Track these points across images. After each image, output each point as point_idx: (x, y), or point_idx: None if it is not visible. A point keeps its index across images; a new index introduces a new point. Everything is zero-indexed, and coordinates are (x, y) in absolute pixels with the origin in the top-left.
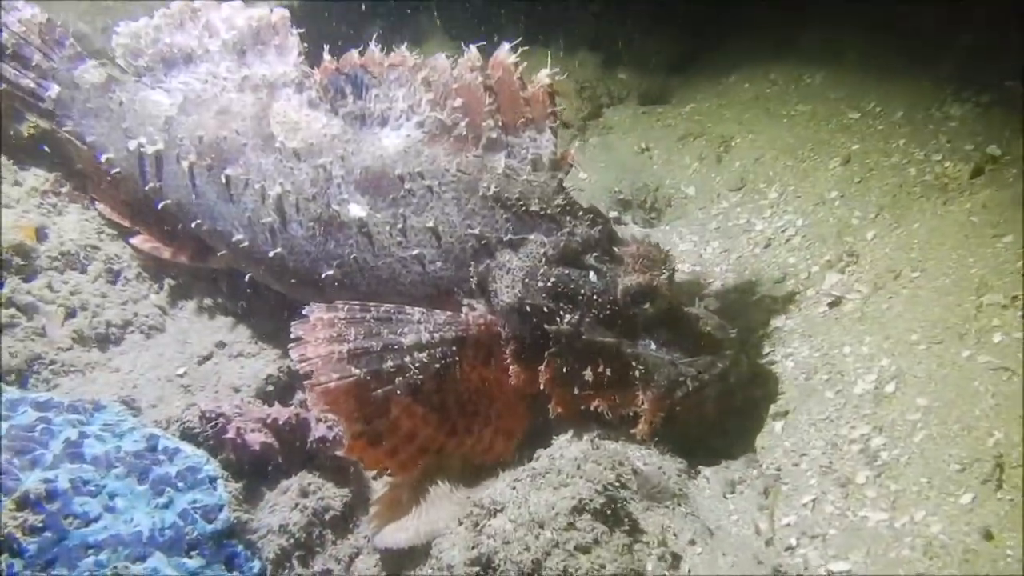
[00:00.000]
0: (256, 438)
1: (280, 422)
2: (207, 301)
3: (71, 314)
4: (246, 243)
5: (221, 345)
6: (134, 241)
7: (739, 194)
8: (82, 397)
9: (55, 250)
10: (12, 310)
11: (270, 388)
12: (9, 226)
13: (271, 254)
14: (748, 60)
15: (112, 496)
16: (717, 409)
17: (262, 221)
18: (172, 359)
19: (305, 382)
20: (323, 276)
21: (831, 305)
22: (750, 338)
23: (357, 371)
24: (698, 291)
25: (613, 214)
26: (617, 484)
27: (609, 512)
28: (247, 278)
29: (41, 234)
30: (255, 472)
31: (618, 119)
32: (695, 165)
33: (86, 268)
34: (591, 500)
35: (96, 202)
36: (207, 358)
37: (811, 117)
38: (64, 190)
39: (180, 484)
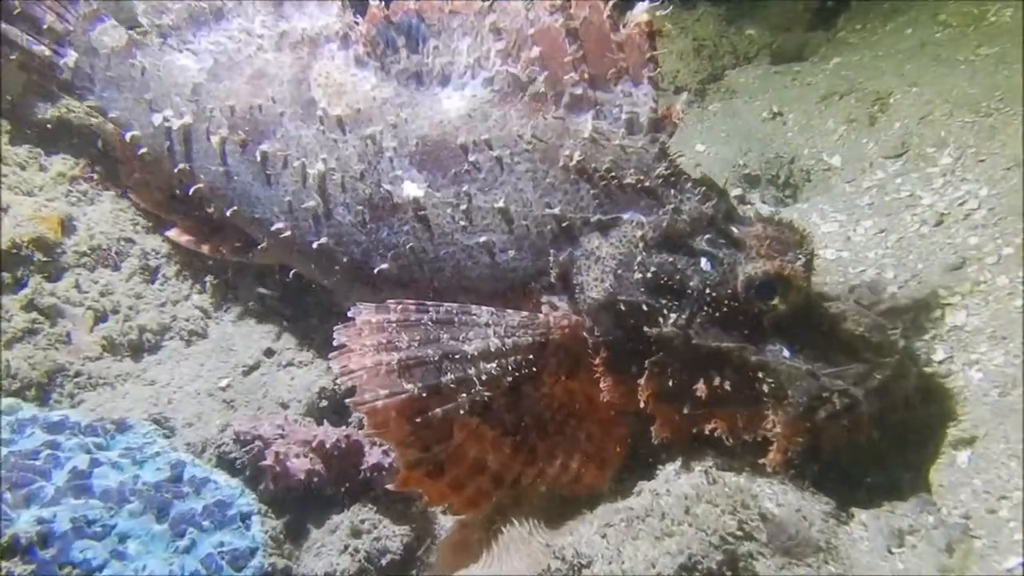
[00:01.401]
0: (300, 465)
1: (328, 445)
2: (254, 303)
3: (101, 318)
4: (288, 232)
5: (269, 353)
6: (170, 234)
7: (899, 162)
8: (105, 416)
9: (84, 244)
10: (33, 314)
11: (323, 403)
12: (28, 217)
13: (315, 245)
14: (909, 4)
15: (123, 538)
16: (875, 434)
17: (304, 206)
18: (214, 369)
19: (348, 400)
20: (376, 270)
21: None
22: (918, 341)
23: (410, 386)
24: (847, 283)
25: (736, 192)
26: (740, 534)
27: (729, 573)
28: (291, 274)
29: (68, 226)
30: (300, 506)
31: (744, 81)
32: (841, 130)
33: (119, 265)
34: (704, 556)
35: (129, 190)
36: (254, 368)
37: (999, 61)
38: (96, 175)
39: (206, 523)
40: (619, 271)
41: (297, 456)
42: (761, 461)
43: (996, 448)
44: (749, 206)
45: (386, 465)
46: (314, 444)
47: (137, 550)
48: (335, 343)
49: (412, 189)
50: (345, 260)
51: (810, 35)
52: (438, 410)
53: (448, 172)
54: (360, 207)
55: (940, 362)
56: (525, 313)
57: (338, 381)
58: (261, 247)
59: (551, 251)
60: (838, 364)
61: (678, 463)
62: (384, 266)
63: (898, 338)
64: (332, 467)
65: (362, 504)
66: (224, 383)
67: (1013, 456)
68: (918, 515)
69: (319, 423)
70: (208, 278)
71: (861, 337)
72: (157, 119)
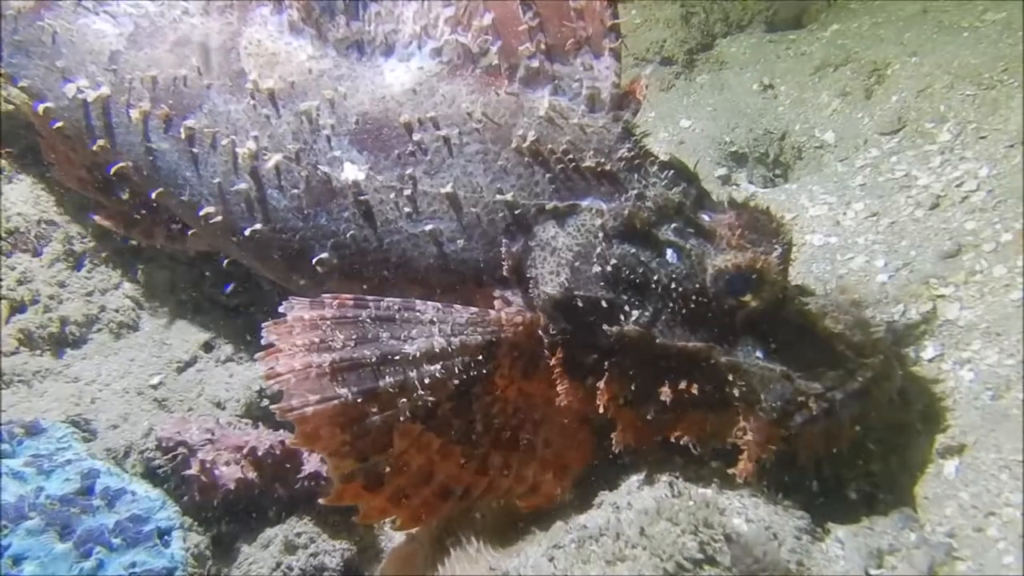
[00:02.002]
0: (230, 473)
1: (260, 452)
2: (192, 292)
3: (18, 309)
4: (218, 217)
5: (208, 347)
6: (97, 216)
7: (895, 138)
8: (16, 418)
9: None
10: None
11: (264, 403)
12: None
13: (248, 232)
14: None
15: (17, 560)
16: (855, 441)
17: (234, 188)
18: (145, 365)
19: (273, 407)
20: (315, 260)
21: None
22: (906, 339)
23: (344, 391)
24: (834, 271)
25: (721, 171)
26: (700, 557)
27: None
28: (225, 262)
29: None
30: (230, 519)
31: (735, 51)
32: (835, 104)
33: (40, 250)
34: None
35: (51, 167)
36: (189, 364)
37: (1005, 27)
38: (10, 152)
39: (117, 540)
40: (576, 264)
41: (227, 464)
42: (731, 471)
43: (986, 458)
44: (735, 187)
45: (325, 474)
46: (245, 451)
47: (33, 573)
48: (263, 342)
49: (352, 172)
50: (282, 249)
51: (810, 1)
52: (376, 417)
53: (391, 153)
54: (296, 191)
55: (930, 360)
56: (474, 309)
57: (264, 385)
58: (193, 232)
59: (503, 241)
60: (816, 365)
61: (643, 473)
62: (324, 256)
63: (883, 336)
64: (266, 475)
65: (299, 516)
66: (156, 380)
67: (1004, 467)
68: (899, 532)
69: (257, 425)
70: (140, 265)
71: (842, 335)
72: (71, 90)
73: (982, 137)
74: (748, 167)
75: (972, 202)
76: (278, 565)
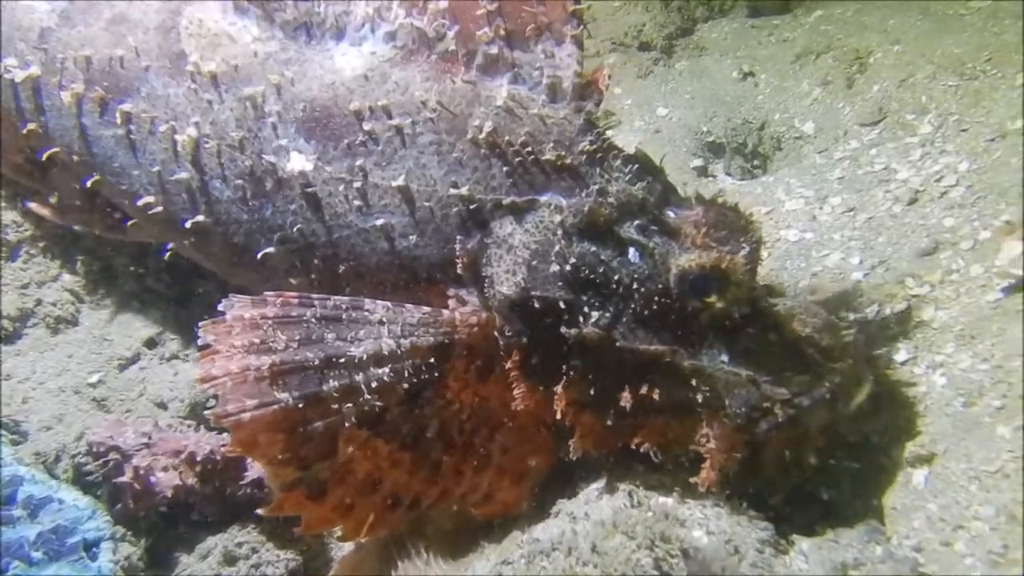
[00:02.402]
0: (168, 480)
1: (199, 457)
2: (135, 285)
3: None
4: (159, 208)
5: (151, 344)
6: (32, 204)
7: (876, 130)
8: None
9: None
10: None
11: (212, 404)
12: None
13: (189, 224)
14: None
15: None
16: (821, 449)
17: (175, 178)
18: (84, 362)
19: (207, 412)
20: (260, 255)
21: (1008, 290)
22: (878, 342)
23: (285, 395)
24: (808, 268)
25: (698, 162)
26: (655, 574)
27: None
28: (166, 255)
29: None
30: (167, 528)
31: (716, 36)
32: (816, 93)
33: None
34: None
35: None
36: (132, 361)
37: (991, 16)
38: None
39: (38, 554)
40: (533, 262)
41: (165, 469)
42: (693, 480)
43: (956, 468)
44: (711, 179)
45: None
46: (184, 455)
47: None
48: (199, 342)
49: (299, 162)
50: (225, 242)
51: None
52: (319, 423)
53: (340, 143)
54: (240, 181)
55: (902, 363)
56: (426, 309)
57: (198, 389)
58: (132, 223)
59: (458, 238)
60: (783, 370)
61: (603, 481)
62: (270, 250)
63: (854, 338)
64: (206, 482)
65: (242, 524)
66: (95, 379)
67: (974, 478)
68: (865, 545)
69: (199, 428)
70: (80, 256)
71: (810, 339)
72: None
73: (963, 130)
74: (726, 158)
75: (951, 197)
76: None
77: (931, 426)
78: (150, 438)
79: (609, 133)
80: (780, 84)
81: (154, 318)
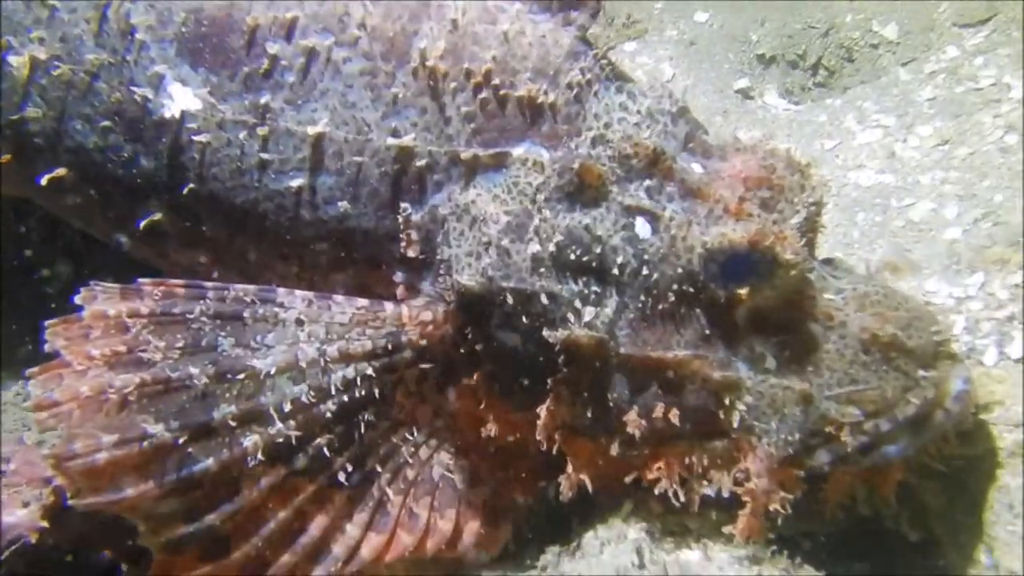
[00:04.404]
0: (28, 520)
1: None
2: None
3: None
4: (4, 154)
5: None
6: None
7: (982, 31)
8: None
9: None
10: None
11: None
12: None
13: (46, 179)
14: None
15: None
16: (903, 489)
17: (21, 115)
18: None
19: (44, 452)
20: (139, 222)
21: None
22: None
23: (158, 427)
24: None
25: (742, 83)
26: None
27: None
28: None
29: None
30: None
31: None
32: None
33: None
34: None
35: None
36: None
37: None
38: None
39: None
40: (504, 242)
41: (26, 505)
42: (728, 529)
43: None
44: (759, 103)
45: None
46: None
47: None
48: (44, 348)
49: (183, 97)
50: (99, 204)
51: None
52: (209, 462)
53: (237, 71)
54: (107, 122)
55: (1018, 360)
56: (363, 302)
57: (33, 417)
58: None
59: (403, 206)
60: (853, 381)
61: (606, 526)
62: (155, 216)
63: (949, 338)
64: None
65: None
66: None
67: None
68: None
69: None
70: None
71: (892, 338)
72: None
73: None
74: (779, 74)
75: None
76: None
77: None
78: (8, 462)
79: (621, 51)
80: None
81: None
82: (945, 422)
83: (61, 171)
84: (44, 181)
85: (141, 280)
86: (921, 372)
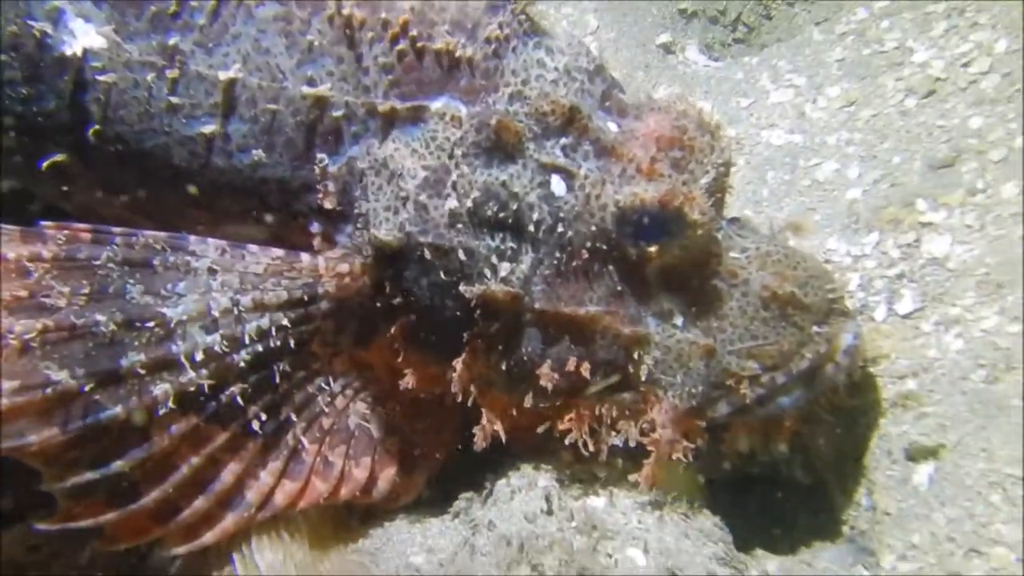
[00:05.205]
0: None
1: None
2: None
3: None
4: None
5: None
6: None
7: None
8: None
9: None
10: None
11: None
12: None
13: None
14: None
15: None
16: (795, 437)
17: None
18: None
19: None
20: (44, 164)
21: None
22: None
23: (62, 374)
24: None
25: (664, 38)
26: None
27: None
28: None
29: None
30: None
31: None
32: None
33: None
34: None
35: None
36: None
37: None
38: None
39: None
40: (422, 197)
41: None
42: (633, 477)
43: (972, 468)
44: (680, 61)
45: None
46: None
47: None
48: None
49: (85, 35)
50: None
51: None
52: (117, 409)
53: (144, 10)
54: (3, 56)
55: (905, 316)
56: (278, 252)
57: None
58: None
59: (318, 156)
60: (752, 337)
61: (518, 474)
62: (59, 158)
63: (844, 293)
64: None
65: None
66: None
67: (996, 485)
68: (849, 568)
69: None
70: None
71: (790, 295)
72: None
73: None
74: (700, 29)
75: (981, 89)
76: None
77: (939, 406)
78: None
79: (535, 8)
80: None
81: None
82: (835, 375)
83: None
84: None
85: (43, 223)
86: (815, 328)
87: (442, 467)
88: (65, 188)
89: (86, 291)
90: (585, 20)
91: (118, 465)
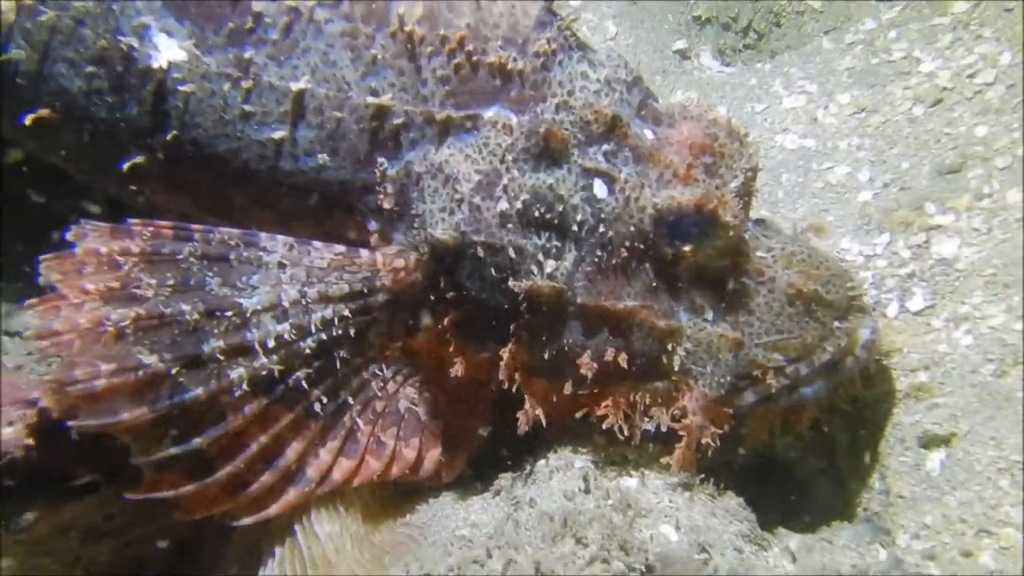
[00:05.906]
0: (16, 438)
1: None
2: None
3: None
4: None
5: None
6: None
7: (897, 6)
8: None
9: None
10: None
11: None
12: None
13: (28, 119)
14: None
15: None
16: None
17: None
18: None
19: (46, 377)
20: (125, 166)
21: None
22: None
23: (152, 358)
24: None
25: (680, 44)
26: None
27: None
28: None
29: None
30: (16, 498)
31: None
32: None
33: None
34: None
35: None
36: None
37: None
38: None
39: None
40: (476, 199)
41: (11, 424)
42: (665, 460)
43: (981, 455)
44: (695, 64)
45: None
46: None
47: None
48: (39, 281)
49: (168, 48)
50: (81, 145)
51: None
52: (198, 391)
53: (222, 26)
54: (92, 68)
55: (917, 313)
56: (340, 249)
57: (34, 347)
58: None
59: (379, 160)
60: (778, 331)
61: (556, 456)
62: (138, 160)
63: (861, 289)
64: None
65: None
66: None
67: (1005, 471)
68: (866, 548)
69: None
70: None
71: (813, 293)
72: None
73: (1007, 9)
74: (713, 36)
75: (987, 99)
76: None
77: (951, 397)
78: None
79: (567, 6)
80: None
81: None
82: (854, 367)
83: (44, 111)
84: (27, 121)
85: (130, 220)
86: (836, 323)
87: (482, 448)
88: (134, 187)
89: (171, 283)
90: (604, 26)
91: (197, 442)
